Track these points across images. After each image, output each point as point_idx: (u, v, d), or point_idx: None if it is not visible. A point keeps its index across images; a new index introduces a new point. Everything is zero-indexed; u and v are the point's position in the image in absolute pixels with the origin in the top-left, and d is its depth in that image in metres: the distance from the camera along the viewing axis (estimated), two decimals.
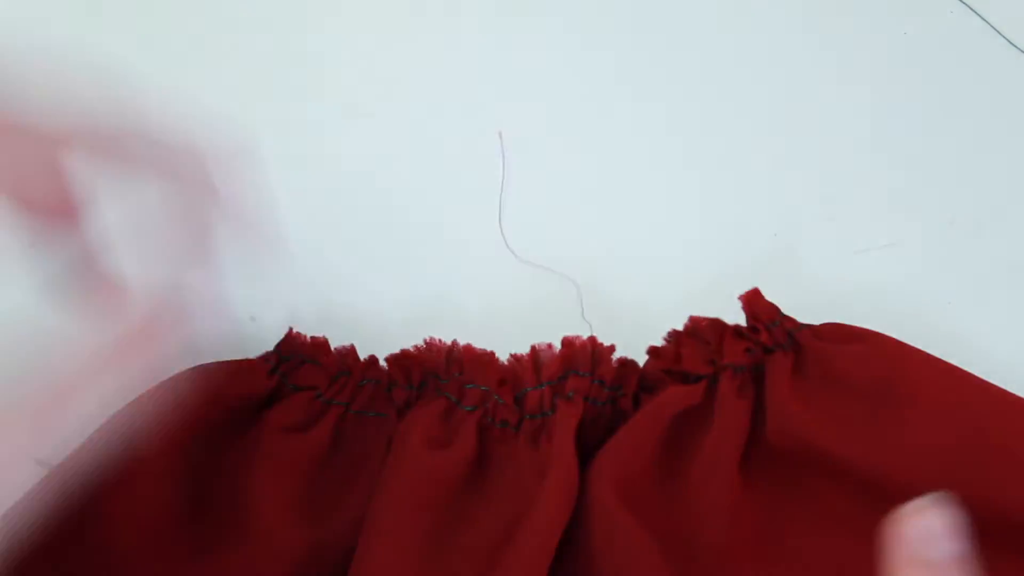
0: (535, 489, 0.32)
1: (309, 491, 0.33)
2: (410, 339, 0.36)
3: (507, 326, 0.37)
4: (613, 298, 0.37)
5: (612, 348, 0.34)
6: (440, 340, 0.35)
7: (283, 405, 0.34)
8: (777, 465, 0.32)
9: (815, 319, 0.34)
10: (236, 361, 0.35)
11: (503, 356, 0.35)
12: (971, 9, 0.40)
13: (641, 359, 0.35)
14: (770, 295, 0.34)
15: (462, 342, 0.35)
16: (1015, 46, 0.39)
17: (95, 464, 0.33)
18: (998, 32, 0.40)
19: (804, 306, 0.35)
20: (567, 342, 0.34)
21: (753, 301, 0.33)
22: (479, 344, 0.35)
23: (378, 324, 0.38)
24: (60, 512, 0.33)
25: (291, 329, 0.36)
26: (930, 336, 0.33)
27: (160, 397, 0.34)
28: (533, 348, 0.34)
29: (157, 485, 0.33)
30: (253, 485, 0.33)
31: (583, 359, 0.34)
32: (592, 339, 0.34)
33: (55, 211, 0.28)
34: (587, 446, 0.33)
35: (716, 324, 0.33)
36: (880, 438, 0.30)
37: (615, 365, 0.34)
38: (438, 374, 0.35)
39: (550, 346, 0.34)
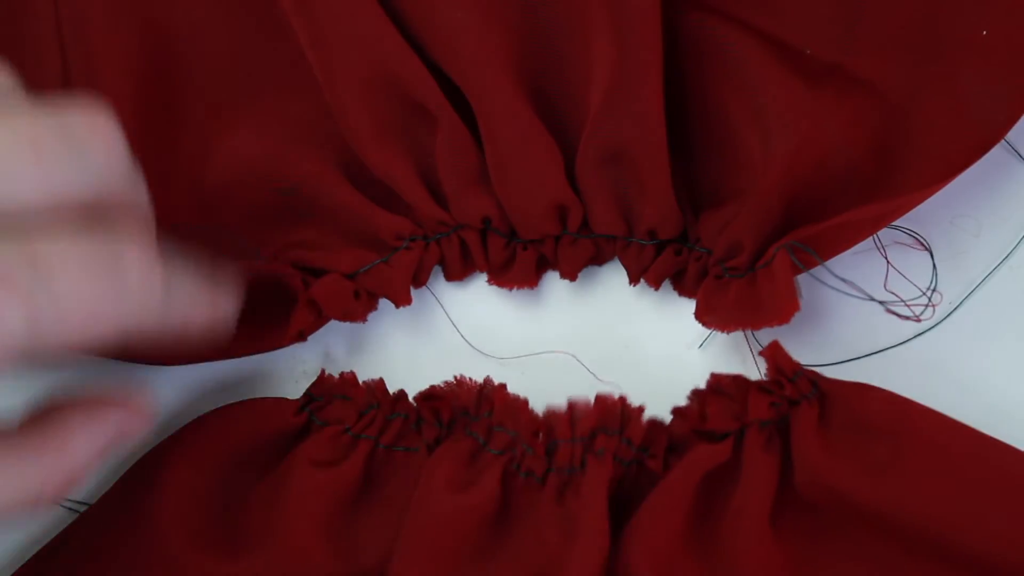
0: (556, 545, 0.32)
1: (339, 525, 0.34)
2: (441, 373, 0.36)
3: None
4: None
5: (642, 408, 0.34)
6: (471, 379, 0.35)
7: (312, 440, 0.35)
8: (808, 517, 0.32)
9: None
10: (263, 399, 0.36)
11: (535, 397, 0.35)
12: None
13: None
14: None
15: (493, 377, 0.36)
16: None
17: (128, 502, 0.34)
18: None
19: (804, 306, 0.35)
20: (600, 399, 0.34)
21: (775, 354, 0.33)
22: (513, 381, 0.35)
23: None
24: (91, 552, 0.34)
25: (323, 371, 0.36)
26: (931, 336, 0.34)
27: (188, 437, 0.35)
28: (570, 402, 0.34)
29: (184, 518, 0.34)
30: (283, 519, 0.33)
31: (613, 417, 0.34)
32: (622, 398, 0.34)
33: None
34: (611, 506, 0.33)
35: (739, 380, 0.33)
36: (905, 484, 0.31)
37: (645, 425, 0.34)
38: (468, 411, 0.35)
39: (588, 402, 0.34)
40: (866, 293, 0.30)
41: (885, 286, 0.35)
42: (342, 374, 0.36)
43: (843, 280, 0.31)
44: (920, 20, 0.33)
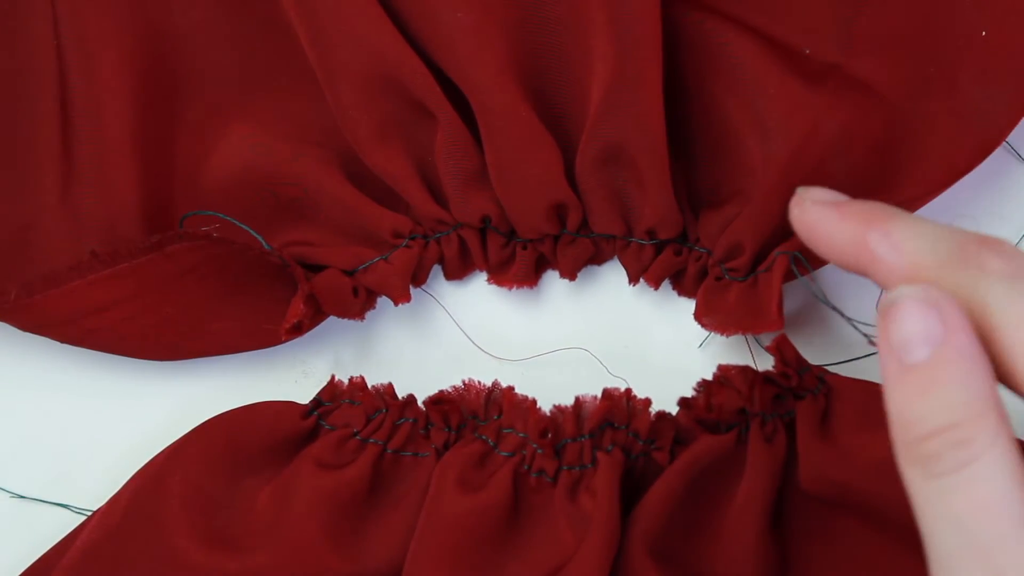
0: (571, 542, 0.32)
1: (346, 527, 0.34)
2: (449, 374, 0.36)
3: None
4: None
5: (648, 401, 0.34)
6: (480, 382, 0.36)
7: (320, 444, 0.35)
8: (811, 512, 0.33)
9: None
10: (272, 403, 0.36)
11: (539, 395, 0.35)
12: None
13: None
14: None
15: (496, 376, 0.36)
16: None
17: (136, 504, 0.34)
18: None
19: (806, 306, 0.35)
20: (607, 393, 0.34)
21: (782, 347, 0.33)
22: (517, 381, 0.36)
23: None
24: (98, 554, 0.34)
25: (333, 377, 0.36)
26: None
27: (197, 439, 0.35)
28: (577, 399, 0.35)
29: (192, 519, 0.34)
30: (290, 520, 0.33)
31: (620, 412, 0.34)
32: (628, 391, 0.34)
33: None
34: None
35: (746, 372, 0.33)
36: None
37: (652, 419, 0.34)
38: (476, 415, 0.35)
39: (595, 398, 0.35)
40: (839, 310, 0.31)
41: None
42: (351, 379, 0.36)
43: (825, 300, 0.32)
44: (919, 20, 0.33)
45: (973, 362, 0.22)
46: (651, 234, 0.35)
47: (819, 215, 0.26)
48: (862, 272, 0.25)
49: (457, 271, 0.37)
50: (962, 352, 0.22)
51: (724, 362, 0.34)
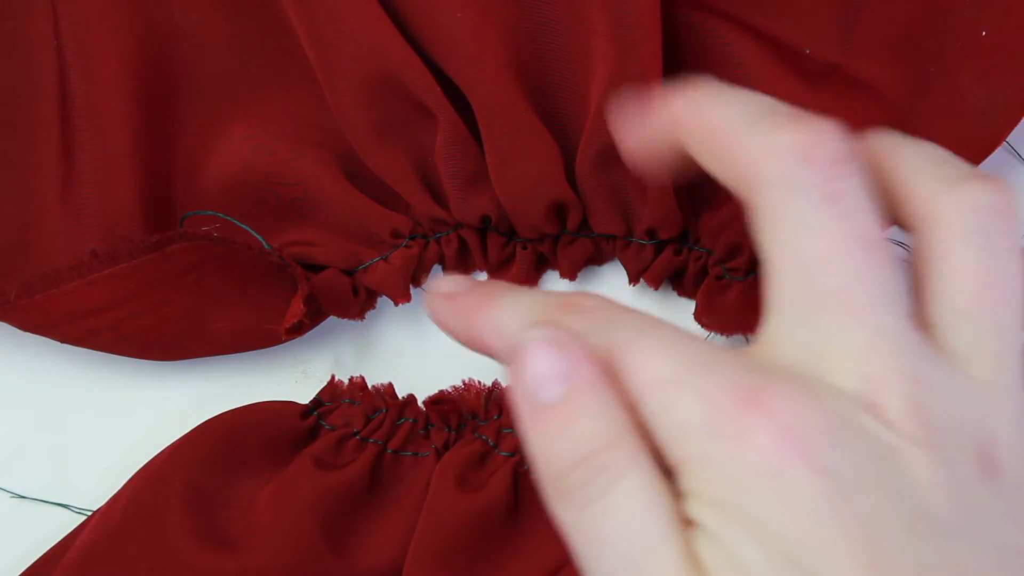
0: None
1: (345, 527, 0.34)
2: (450, 375, 0.36)
3: None
4: None
5: None
6: (480, 382, 0.36)
7: (320, 443, 0.35)
8: None
9: None
10: (271, 402, 0.36)
11: None
12: None
13: None
14: None
15: (499, 378, 0.36)
16: None
17: (135, 504, 0.34)
18: None
19: None
20: None
21: None
22: None
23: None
24: (97, 554, 0.34)
25: (333, 377, 0.36)
26: None
27: (196, 439, 0.35)
28: None
29: (192, 519, 0.34)
30: (289, 520, 0.33)
31: None
32: None
33: None
34: None
35: None
36: None
37: None
38: (476, 415, 0.35)
39: None
40: None
41: None
42: (351, 379, 0.36)
43: None
44: (919, 20, 0.33)
45: (603, 391, 0.22)
46: (651, 234, 0.35)
47: (438, 310, 0.26)
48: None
49: (457, 271, 0.37)
50: (592, 383, 0.22)
51: None
